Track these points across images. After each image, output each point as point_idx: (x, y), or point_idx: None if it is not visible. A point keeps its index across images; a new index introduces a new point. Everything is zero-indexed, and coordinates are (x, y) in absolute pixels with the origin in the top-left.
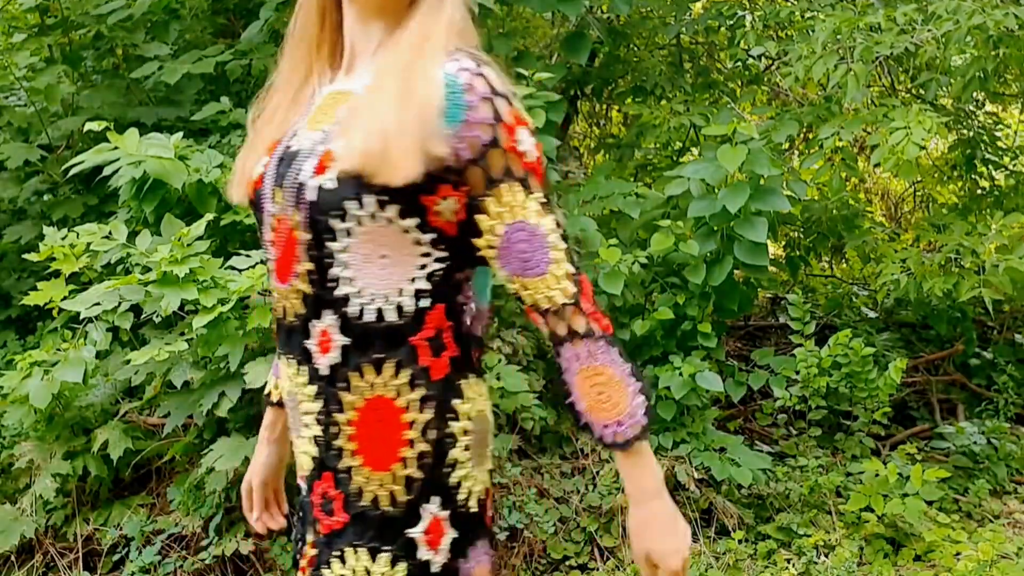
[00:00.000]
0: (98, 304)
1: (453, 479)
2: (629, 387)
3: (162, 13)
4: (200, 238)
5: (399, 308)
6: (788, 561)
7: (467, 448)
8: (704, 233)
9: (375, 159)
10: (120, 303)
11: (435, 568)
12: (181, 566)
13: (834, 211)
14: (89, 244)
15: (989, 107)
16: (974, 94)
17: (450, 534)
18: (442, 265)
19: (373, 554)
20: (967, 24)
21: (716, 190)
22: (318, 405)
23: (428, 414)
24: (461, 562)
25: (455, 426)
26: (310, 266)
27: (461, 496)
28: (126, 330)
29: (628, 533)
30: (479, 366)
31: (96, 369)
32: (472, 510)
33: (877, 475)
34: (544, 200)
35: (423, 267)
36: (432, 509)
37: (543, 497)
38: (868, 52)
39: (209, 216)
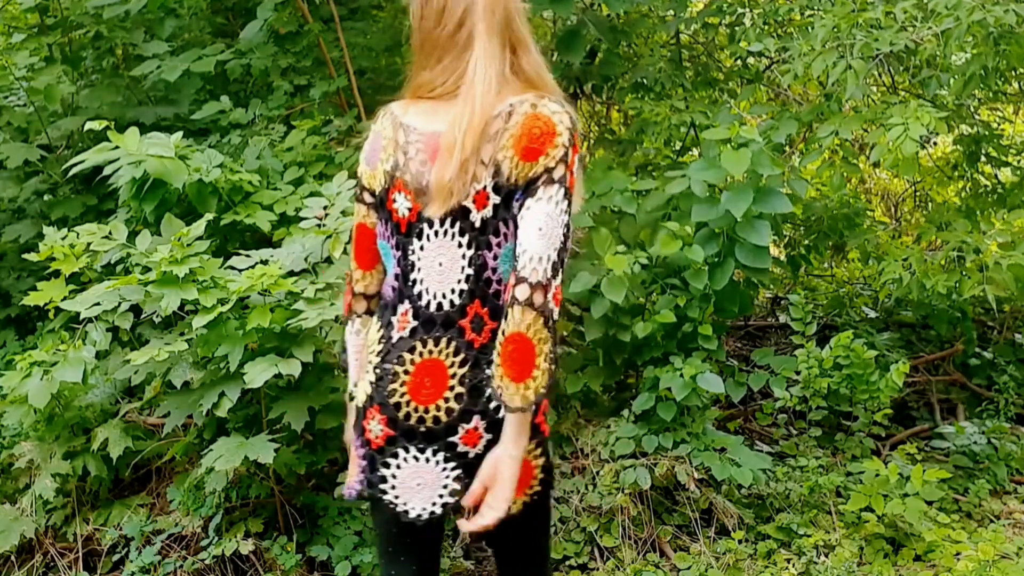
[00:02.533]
0: (98, 304)
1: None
2: None
3: (158, 11)
4: (200, 238)
5: None
6: (788, 561)
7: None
8: (706, 235)
9: None
10: (120, 303)
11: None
12: (181, 566)
13: (835, 211)
14: (89, 244)
15: (991, 104)
16: (976, 92)
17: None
18: None
19: None
20: (967, 20)
21: (718, 190)
22: None
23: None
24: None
25: None
26: None
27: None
28: (126, 330)
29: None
30: (378, 323)
31: (96, 369)
32: (359, 403)
33: (877, 475)
34: None
35: None
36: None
37: None
38: (867, 48)
39: (209, 216)
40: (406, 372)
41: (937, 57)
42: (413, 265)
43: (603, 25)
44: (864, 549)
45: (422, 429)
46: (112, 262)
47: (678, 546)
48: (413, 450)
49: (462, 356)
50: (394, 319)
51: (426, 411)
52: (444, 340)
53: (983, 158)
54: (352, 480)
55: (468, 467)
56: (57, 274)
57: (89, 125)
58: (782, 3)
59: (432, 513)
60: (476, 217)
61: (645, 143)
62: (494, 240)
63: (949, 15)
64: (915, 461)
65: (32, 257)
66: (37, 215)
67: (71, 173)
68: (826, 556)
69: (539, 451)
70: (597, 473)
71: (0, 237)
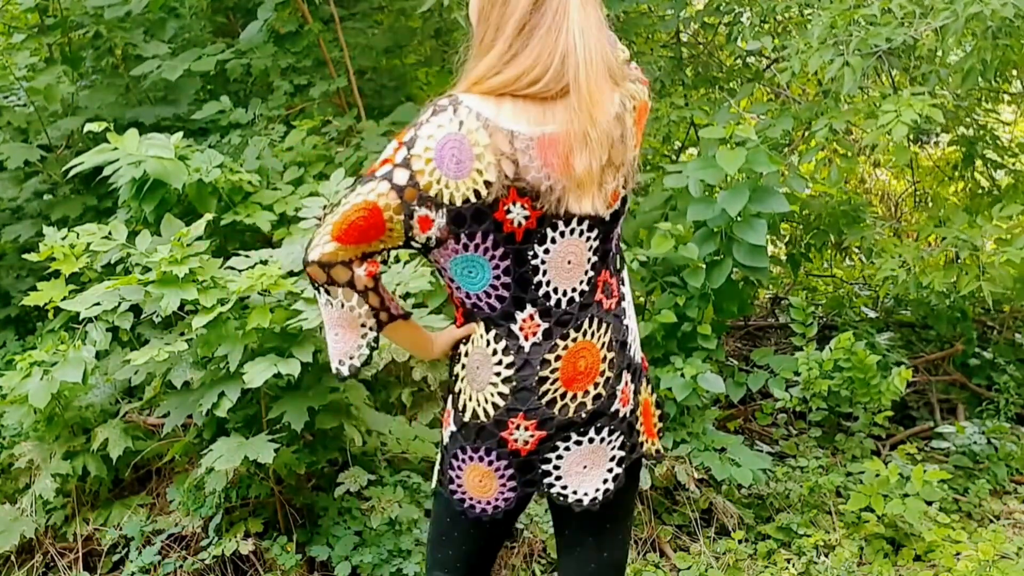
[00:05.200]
0: (98, 304)
1: (456, 388)
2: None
3: (160, 11)
4: (200, 238)
5: None
6: (788, 561)
7: (463, 367)
8: (703, 235)
9: None
10: (120, 303)
11: (444, 441)
12: (181, 566)
13: (834, 207)
14: (89, 244)
15: (990, 105)
16: (975, 92)
17: (450, 428)
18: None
19: None
20: (964, 14)
21: (716, 190)
22: None
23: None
24: (455, 451)
25: (460, 353)
26: None
27: (460, 403)
28: (126, 330)
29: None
30: (489, 331)
31: (96, 369)
32: (466, 419)
33: (877, 475)
34: (357, 181)
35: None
36: (449, 403)
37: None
38: (864, 44)
39: (209, 216)
40: (554, 371)
41: (937, 53)
42: (536, 269)
43: None
44: (864, 549)
45: (583, 415)
46: (112, 262)
47: (678, 546)
48: (575, 436)
49: (604, 326)
50: (515, 327)
51: (585, 394)
52: (586, 321)
53: (979, 160)
54: (492, 495)
55: (629, 428)
56: (57, 274)
57: (89, 126)
58: (780, 2)
59: (607, 492)
60: (606, 213)
61: (644, 142)
62: (617, 228)
63: (946, 9)
64: (915, 461)
65: (32, 257)
66: (37, 215)
67: (71, 174)
68: (826, 556)
69: (653, 394)
70: None
71: (0, 237)
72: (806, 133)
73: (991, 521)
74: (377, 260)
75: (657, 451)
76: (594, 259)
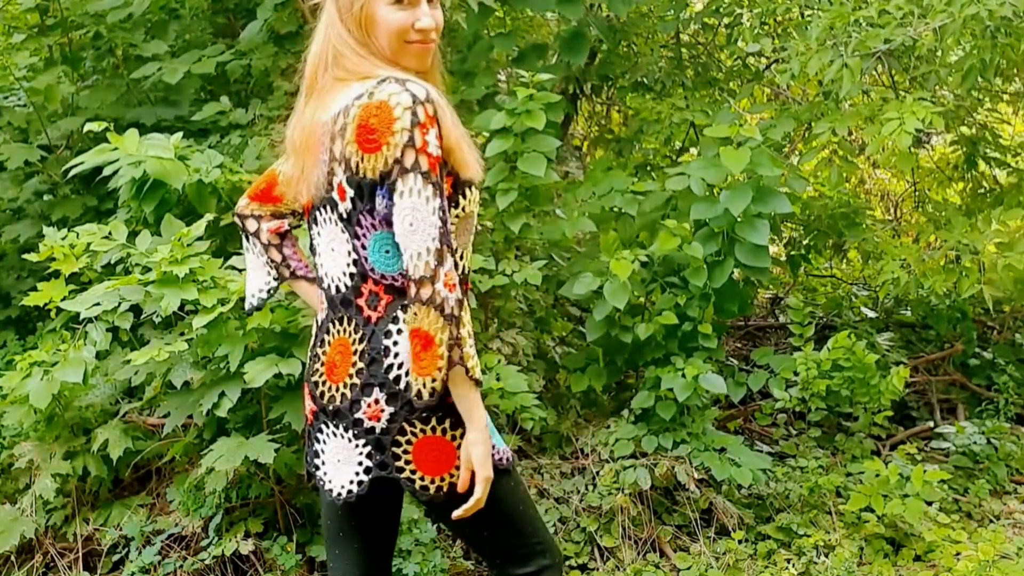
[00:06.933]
0: (98, 304)
1: None
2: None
3: (161, 13)
4: (200, 238)
5: None
6: (788, 561)
7: None
8: (705, 235)
9: None
10: (120, 303)
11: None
12: (181, 566)
13: (834, 209)
14: (89, 244)
15: (990, 104)
16: (975, 92)
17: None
18: None
19: None
20: (961, 15)
21: (717, 190)
22: None
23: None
24: None
25: None
26: None
27: None
28: (126, 330)
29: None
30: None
31: (96, 369)
32: None
33: (877, 475)
34: None
35: None
36: None
37: (543, 497)
38: (862, 45)
39: (209, 216)
40: (324, 353)
41: (937, 53)
42: (315, 250)
43: (602, 25)
44: (864, 549)
45: (331, 408)
46: (112, 262)
47: (678, 546)
48: (331, 426)
49: (361, 333)
50: (320, 301)
51: (336, 389)
52: (346, 319)
53: (981, 160)
54: (306, 457)
55: (377, 443)
56: (57, 274)
57: (89, 126)
58: (780, 3)
59: (350, 492)
60: (342, 209)
61: (644, 143)
62: (359, 231)
63: (943, 11)
64: (915, 461)
65: (32, 257)
66: (37, 215)
67: (71, 174)
68: (826, 556)
69: (459, 431)
70: (597, 473)
71: (0, 237)
72: (806, 134)
73: (991, 521)
74: (284, 223)
75: (438, 489)
76: (354, 255)
